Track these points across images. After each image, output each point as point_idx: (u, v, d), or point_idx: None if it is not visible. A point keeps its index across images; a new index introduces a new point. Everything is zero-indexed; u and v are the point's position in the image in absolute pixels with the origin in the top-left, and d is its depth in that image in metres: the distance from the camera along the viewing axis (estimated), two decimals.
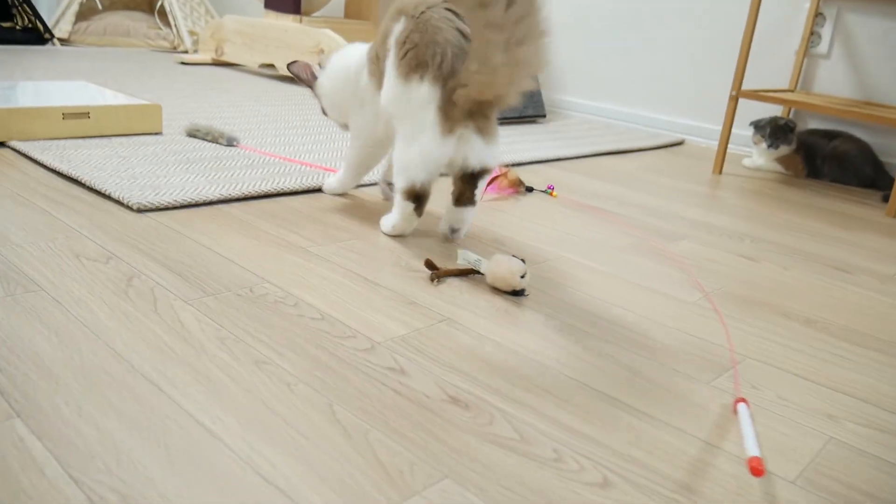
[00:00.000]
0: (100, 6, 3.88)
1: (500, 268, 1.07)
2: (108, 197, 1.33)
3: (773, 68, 2.53)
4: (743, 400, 0.83)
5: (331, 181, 1.50)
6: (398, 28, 1.19)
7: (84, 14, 3.83)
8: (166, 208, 1.30)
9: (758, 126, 2.31)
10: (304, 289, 1.02)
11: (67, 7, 3.74)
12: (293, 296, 1.00)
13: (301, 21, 3.11)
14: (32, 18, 3.46)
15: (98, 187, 1.34)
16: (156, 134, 1.83)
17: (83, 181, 1.38)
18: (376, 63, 1.27)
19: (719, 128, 2.69)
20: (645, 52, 2.85)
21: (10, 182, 1.36)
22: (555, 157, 2.12)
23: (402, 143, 1.21)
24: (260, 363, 0.81)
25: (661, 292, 1.17)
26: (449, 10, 1.16)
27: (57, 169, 1.44)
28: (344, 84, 1.37)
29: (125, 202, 1.28)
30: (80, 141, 1.68)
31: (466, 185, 1.30)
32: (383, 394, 0.78)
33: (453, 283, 1.11)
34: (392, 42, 1.19)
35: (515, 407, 0.78)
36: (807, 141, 2.30)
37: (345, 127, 1.44)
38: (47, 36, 3.53)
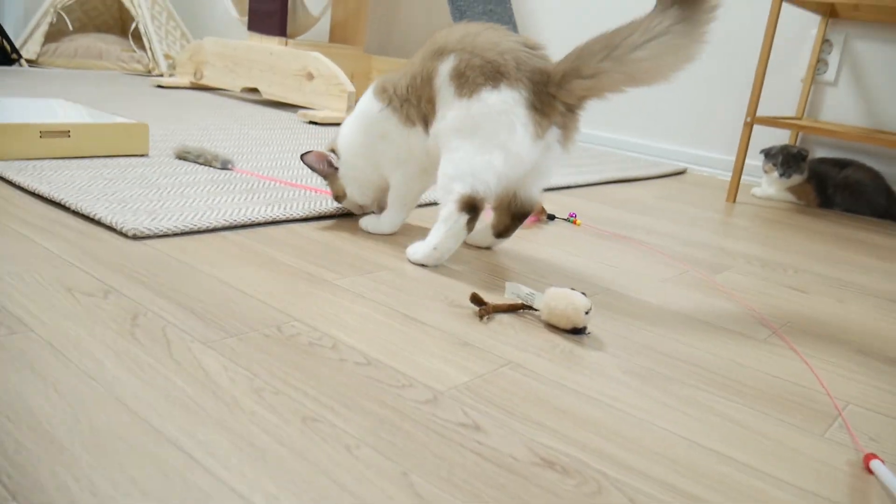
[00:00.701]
0: (70, 27, 3.71)
1: (559, 303, 0.94)
2: (97, 223, 1.17)
3: (778, 96, 2.47)
4: (874, 456, 0.71)
5: (380, 223, 1.32)
6: (448, 65, 1.15)
7: (53, 35, 3.65)
8: (165, 235, 1.14)
9: (769, 154, 2.23)
10: (339, 328, 0.88)
11: (36, 27, 3.56)
12: (329, 336, 0.85)
13: (287, 44, 2.98)
14: None
15: (86, 212, 1.18)
16: (142, 156, 1.68)
17: (68, 205, 1.22)
18: (405, 107, 1.22)
19: (721, 156, 2.61)
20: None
21: None
22: (564, 184, 2.01)
23: (470, 152, 1.13)
24: (309, 421, 0.66)
25: (727, 329, 1.05)
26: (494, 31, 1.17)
27: (36, 191, 1.28)
28: (364, 146, 1.28)
29: (118, 228, 1.13)
30: (60, 161, 1.52)
31: (514, 220, 1.26)
32: (463, 457, 0.64)
33: (502, 320, 0.98)
34: (444, 79, 1.16)
35: (620, 471, 0.65)
36: (818, 170, 2.23)
37: (380, 208, 1.37)
38: (14, 56, 3.35)
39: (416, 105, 1.20)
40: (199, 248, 1.11)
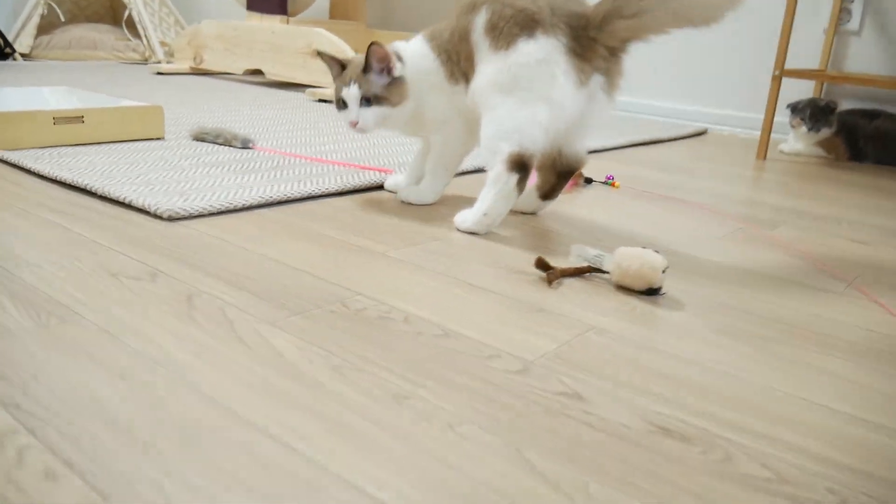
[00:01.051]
0: (62, 18, 3.62)
1: (633, 263, 0.89)
2: (129, 206, 1.11)
3: (800, 48, 2.40)
4: None
5: (421, 193, 1.24)
6: (481, 19, 1.09)
7: (45, 28, 3.55)
8: (201, 215, 1.08)
9: (795, 108, 2.17)
10: (406, 300, 0.82)
11: (27, 20, 3.47)
12: (398, 309, 0.79)
13: (288, 22, 2.90)
14: None
15: (115, 195, 1.12)
16: (157, 139, 1.61)
17: (94, 190, 1.15)
18: (448, 64, 1.15)
19: (742, 114, 2.55)
20: (658, 40, 2.70)
21: (3, 195, 1.14)
22: (592, 148, 1.94)
23: (512, 108, 1.06)
24: (400, 398, 0.61)
25: (801, 283, 0.99)
26: None
27: (59, 178, 1.21)
28: (418, 89, 1.17)
29: (152, 210, 1.06)
30: (75, 148, 1.45)
31: (560, 179, 1.20)
32: (574, 429, 0.58)
33: (571, 284, 0.92)
34: (479, 34, 1.10)
35: (744, 436, 0.59)
36: (847, 122, 2.17)
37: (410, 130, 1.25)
38: (8, 51, 3.26)
39: (456, 62, 1.14)
40: (238, 227, 1.05)
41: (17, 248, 0.90)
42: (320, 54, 1.20)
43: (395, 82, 1.14)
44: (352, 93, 1.13)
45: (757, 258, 1.10)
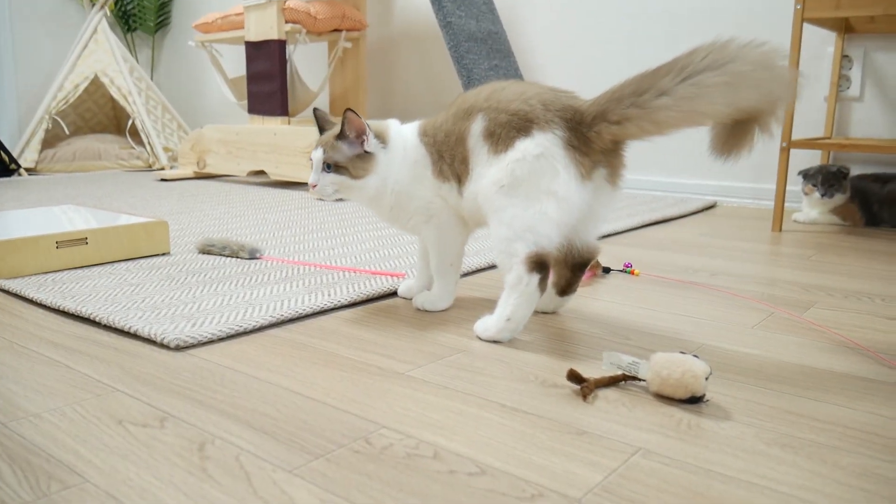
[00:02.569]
0: (66, 131, 3.67)
1: (674, 371, 0.83)
2: (134, 335, 1.06)
3: (803, 116, 2.39)
4: None
5: (434, 300, 1.20)
6: (478, 126, 1.08)
7: (50, 141, 3.60)
8: (210, 342, 1.03)
9: (807, 175, 2.14)
10: (433, 430, 0.76)
11: (32, 135, 3.52)
12: (426, 443, 0.73)
13: (289, 122, 2.92)
14: None
15: (120, 325, 1.08)
16: (164, 255, 1.58)
17: (98, 319, 1.11)
18: (439, 162, 1.14)
19: (749, 185, 2.52)
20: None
21: (3, 330, 1.09)
22: (604, 233, 1.91)
23: (519, 208, 1.03)
24: None
25: (851, 374, 0.93)
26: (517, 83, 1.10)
27: (61, 308, 1.17)
28: (403, 173, 1.16)
29: (158, 340, 1.02)
30: (79, 271, 1.42)
31: (575, 272, 1.15)
32: None
33: (607, 396, 0.86)
34: (476, 139, 1.08)
35: None
36: (860, 187, 2.14)
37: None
38: (13, 167, 3.29)
39: (449, 163, 1.12)
40: (249, 352, 0.99)
41: (16, 397, 0.84)
42: (315, 111, 1.23)
43: (365, 156, 1.13)
44: (316, 156, 1.14)
45: (795, 347, 1.04)
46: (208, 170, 3.14)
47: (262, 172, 2.93)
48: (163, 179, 3.12)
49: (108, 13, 3.76)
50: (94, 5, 3.78)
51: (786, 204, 2.37)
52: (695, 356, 0.84)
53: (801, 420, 0.80)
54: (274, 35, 2.83)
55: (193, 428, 0.76)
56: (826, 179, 2.08)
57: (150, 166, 3.65)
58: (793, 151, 2.35)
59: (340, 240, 1.75)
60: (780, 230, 2.03)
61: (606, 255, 1.66)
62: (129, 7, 4.33)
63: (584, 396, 0.85)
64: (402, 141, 1.16)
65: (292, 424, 0.77)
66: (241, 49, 3.42)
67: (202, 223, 1.99)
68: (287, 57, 2.91)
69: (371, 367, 0.94)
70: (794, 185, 2.34)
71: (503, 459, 0.70)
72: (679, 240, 1.87)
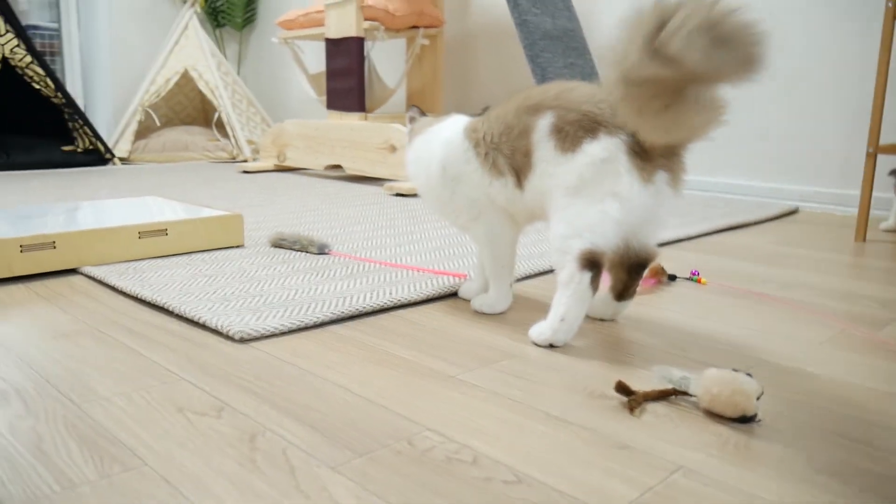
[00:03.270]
0: (157, 123, 3.85)
1: (724, 389, 0.82)
2: (203, 326, 1.12)
3: (893, 119, 2.28)
4: None
5: (491, 303, 1.22)
6: (546, 121, 1.08)
7: (142, 132, 3.79)
8: (272, 335, 1.08)
9: None
10: (476, 436, 0.77)
11: (126, 126, 3.70)
12: (468, 448, 0.75)
13: (366, 118, 2.98)
14: (93, 140, 3.42)
15: (190, 315, 1.13)
16: (238, 247, 1.64)
17: (172, 309, 1.17)
18: (491, 156, 1.15)
19: (835, 190, 2.42)
20: (743, 115, 2.63)
21: (87, 315, 1.16)
22: (675, 238, 1.87)
23: (581, 207, 1.04)
24: None
25: None
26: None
27: (139, 296, 1.24)
28: (440, 176, 1.21)
29: (225, 332, 1.07)
30: (159, 261, 1.49)
31: (632, 275, 1.15)
32: None
33: (656, 410, 0.85)
34: (542, 134, 1.09)
35: None
36: None
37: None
38: (108, 156, 3.48)
39: (508, 155, 1.13)
40: (309, 347, 1.03)
41: (91, 380, 0.90)
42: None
43: None
44: None
45: (864, 369, 1.00)
46: (288, 163, 3.24)
47: (338, 167, 3.00)
48: (245, 171, 3.24)
49: (199, 10, 3.91)
50: (185, 2, 3.94)
51: (872, 212, 2.26)
52: (748, 374, 0.83)
53: (858, 447, 0.77)
54: (353, 32, 2.89)
55: (247, 419, 0.80)
56: None
57: (233, 158, 3.79)
58: (881, 157, 2.24)
59: (408, 237, 1.78)
60: (864, 240, 1.94)
61: (675, 262, 1.63)
62: (218, 4, 4.49)
63: (632, 409, 0.85)
64: (439, 138, 1.21)
65: (341, 421, 0.80)
66: (322, 45, 3.51)
67: (278, 216, 2.06)
68: (365, 54, 2.97)
69: (424, 368, 0.96)
70: (884, 190, 2.23)
71: (541, 469, 0.71)
72: (753, 247, 1.82)
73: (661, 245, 1.82)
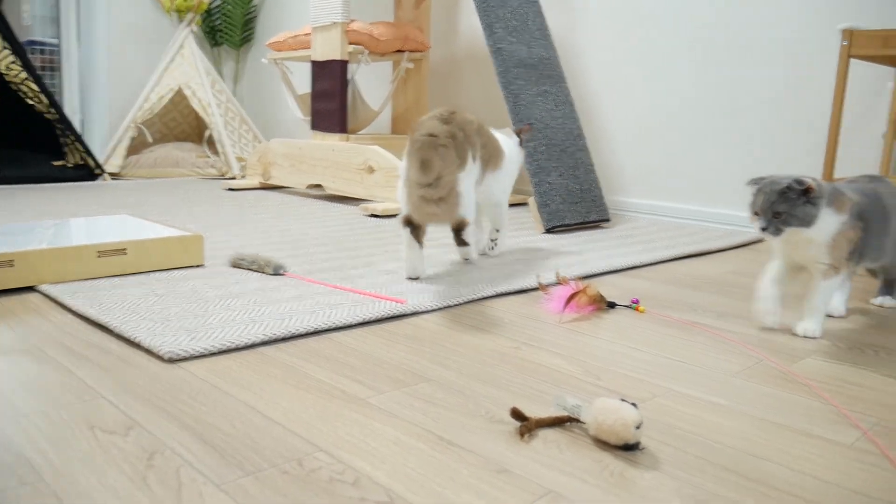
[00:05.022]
0: (150, 139, 3.92)
1: (608, 417, 0.86)
2: (137, 346, 1.16)
3: (858, 154, 2.32)
4: None
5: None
6: None
7: (136, 148, 3.86)
8: (202, 356, 1.12)
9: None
10: (365, 458, 0.82)
11: (119, 142, 3.78)
12: (352, 469, 0.79)
13: (348, 139, 3.04)
14: (84, 155, 3.49)
15: (127, 335, 1.18)
16: (198, 266, 1.70)
17: (113, 328, 1.22)
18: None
19: None
20: (714, 146, 2.67)
21: (32, 333, 1.21)
22: (629, 265, 1.91)
23: None
24: None
25: (808, 433, 0.93)
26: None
27: (85, 315, 1.29)
28: None
29: (156, 351, 1.11)
30: (116, 280, 1.55)
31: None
32: None
33: (546, 437, 0.89)
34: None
35: None
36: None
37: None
38: (98, 171, 3.55)
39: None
40: (234, 369, 1.08)
41: (16, 397, 0.95)
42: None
43: None
44: None
45: (768, 400, 1.03)
46: (273, 181, 3.30)
47: (320, 186, 3.06)
48: (230, 189, 3.30)
49: (196, 28, 4.00)
50: (182, 21, 4.03)
51: None
52: (633, 404, 0.87)
53: (727, 475, 0.81)
54: (337, 55, 2.95)
55: (152, 437, 0.84)
56: (771, 203, 1.27)
57: (223, 175, 3.85)
58: None
59: (367, 259, 1.83)
60: None
61: (619, 289, 1.67)
62: (216, 23, 4.58)
63: (522, 435, 0.88)
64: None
65: (241, 441, 0.84)
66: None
67: (248, 235, 2.11)
68: (349, 77, 3.03)
69: (337, 390, 1.01)
70: None
71: (415, 491, 0.75)
72: (706, 275, 1.86)
73: (615, 272, 1.86)
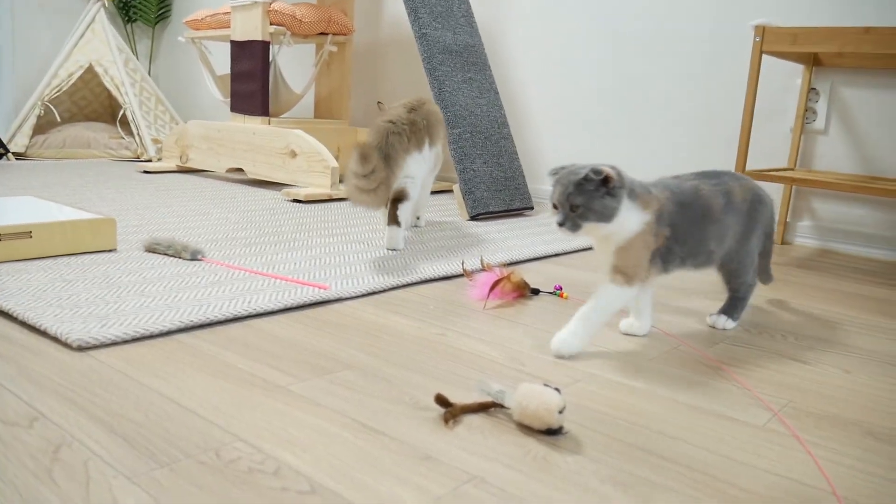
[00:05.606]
0: (58, 119, 3.73)
1: (531, 402, 0.86)
2: (43, 333, 1.10)
3: (769, 147, 2.41)
4: None
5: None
6: None
7: (42, 127, 3.66)
8: (113, 343, 1.07)
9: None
10: (286, 447, 0.80)
11: (24, 120, 3.58)
12: (273, 458, 0.77)
13: (269, 123, 2.97)
14: None
15: (32, 322, 1.12)
16: (110, 251, 1.62)
17: (16, 316, 1.15)
18: None
19: None
20: (634, 137, 2.74)
21: None
22: (552, 252, 1.94)
23: None
24: None
25: (722, 415, 0.96)
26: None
27: None
28: None
29: (63, 339, 1.06)
30: (20, 264, 1.46)
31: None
32: None
33: (470, 423, 0.89)
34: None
35: None
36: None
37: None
38: (1, 151, 3.35)
39: None
40: (147, 357, 1.03)
41: None
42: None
43: None
44: None
45: (683, 384, 1.06)
46: (190, 164, 3.19)
47: (240, 170, 2.98)
48: (145, 171, 3.18)
49: (107, 4, 3.82)
50: None
51: None
52: (556, 389, 0.88)
53: (646, 457, 0.83)
54: (258, 36, 2.87)
55: (58, 429, 0.80)
56: (568, 195, 1.10)
57: (138, 157, 3.70)
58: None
59: (288, 245, 1.79)
60: None
61: (542, 276, 1.69)
62: None
63: (446, 421, 0.88)
64: None
65: (154, 432, 0.81)
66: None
67: (164, 219, 2.04)
68: (271, 58, 2.96)
69: (257, 378, 0.98)
70: None
71: (338, 480, 0.73)
72: None
73: (538, 259, 1.88)
